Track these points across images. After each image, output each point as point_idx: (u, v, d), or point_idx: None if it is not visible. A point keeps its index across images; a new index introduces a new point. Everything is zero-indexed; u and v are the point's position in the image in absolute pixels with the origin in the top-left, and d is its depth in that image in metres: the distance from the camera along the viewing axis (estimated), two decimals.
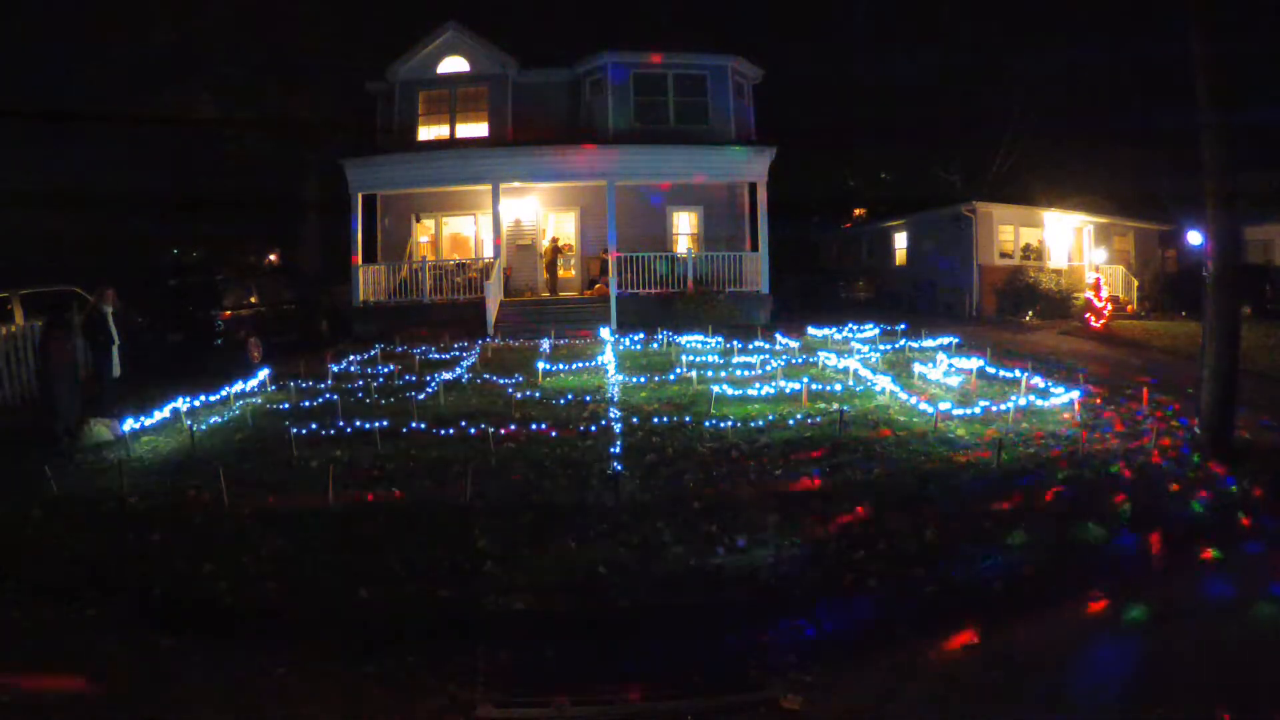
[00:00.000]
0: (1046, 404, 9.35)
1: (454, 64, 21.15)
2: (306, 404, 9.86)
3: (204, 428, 8.55)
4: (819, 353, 13.08)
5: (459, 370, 11.73)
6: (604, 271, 19.15)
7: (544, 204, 21.47)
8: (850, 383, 10.58)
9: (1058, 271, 24.09)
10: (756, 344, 14.55)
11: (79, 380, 9.57)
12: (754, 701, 3.96)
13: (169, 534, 5.75)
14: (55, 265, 19.66)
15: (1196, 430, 7.79)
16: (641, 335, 15.60)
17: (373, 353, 13.87)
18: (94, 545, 5.64)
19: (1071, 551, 5.47)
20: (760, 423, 8.18)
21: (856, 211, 36.46)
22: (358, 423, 8.39)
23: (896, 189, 33.94)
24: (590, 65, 20.76)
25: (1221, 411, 7.48)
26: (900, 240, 28.41)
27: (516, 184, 19.74)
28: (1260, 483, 6.71)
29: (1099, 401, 9.77)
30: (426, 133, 21.07)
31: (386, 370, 12.36)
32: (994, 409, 8.94)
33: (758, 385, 10.21)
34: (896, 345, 14.20)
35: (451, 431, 8.10)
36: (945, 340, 14.55)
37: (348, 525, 5.82)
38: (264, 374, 11.28)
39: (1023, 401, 9.28)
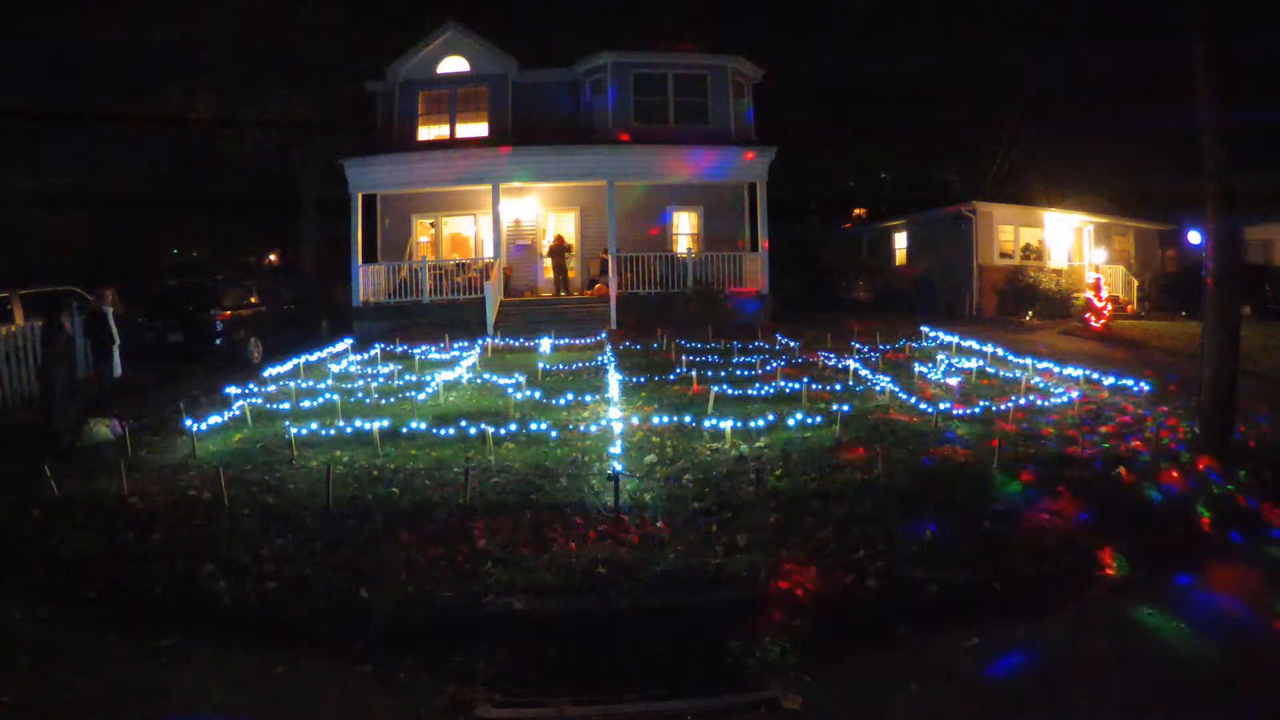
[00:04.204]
0: (1046, 404, 9.35)
1: (454, 64, 21.14)
2: (306, 404, 9.86)
3: (204, 428, 8.55)
4: (819, 353, 13.07)
5: (459, 370, 11.73)
6: (604, 271, 19.14)
7: (544, 204, 21.47)
8: (850, 383, 10.58)
9: (1058, 271, 24.09)
10: (756, 344, 14.55)
11: (79, 380, 9.57)
12: (754, 701, 3.96)
13: (169, 534, 5.75)
14: (55, 265, 19.70)
15: (1196, 430, 7.79)
16: (641, 335, 15.60)
17: (373, 353, 13.87)
18: (94, 545, 5.64)
19: (1071, 552, 5.47)
20: (760, 423, 8.18)
21: (856, 211, 36.46)
22: (358, 423, 8.38)
23: (896, 189, 33.98)
24: (590, 65, 20.76)
25: (1221, 411, 7.47)
26: (900, 240, 28.41)
27: (516, 184, 19.74)
28: (1260, 482, 6.71)
29: (1099, 402, 9.77)
30: (426, 133, 21.06)
31: (386, 370, 12.36)
32: (994, 409, 8.94)
33: (758, 385, 10.21)
34: (896, 345, 14.20)
35: (451, 431, 8.10)
36: (945, 340, 14.56)
37: (348, 525, 5.82)
38: (267, 373, 11.25)
39: (1023, 401, 9.29)
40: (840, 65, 30.05)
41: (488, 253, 20.00)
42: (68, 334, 8.92)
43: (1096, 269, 23.31)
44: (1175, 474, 6.95)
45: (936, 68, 29.23)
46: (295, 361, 12.36)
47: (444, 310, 18.21)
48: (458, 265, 19.38)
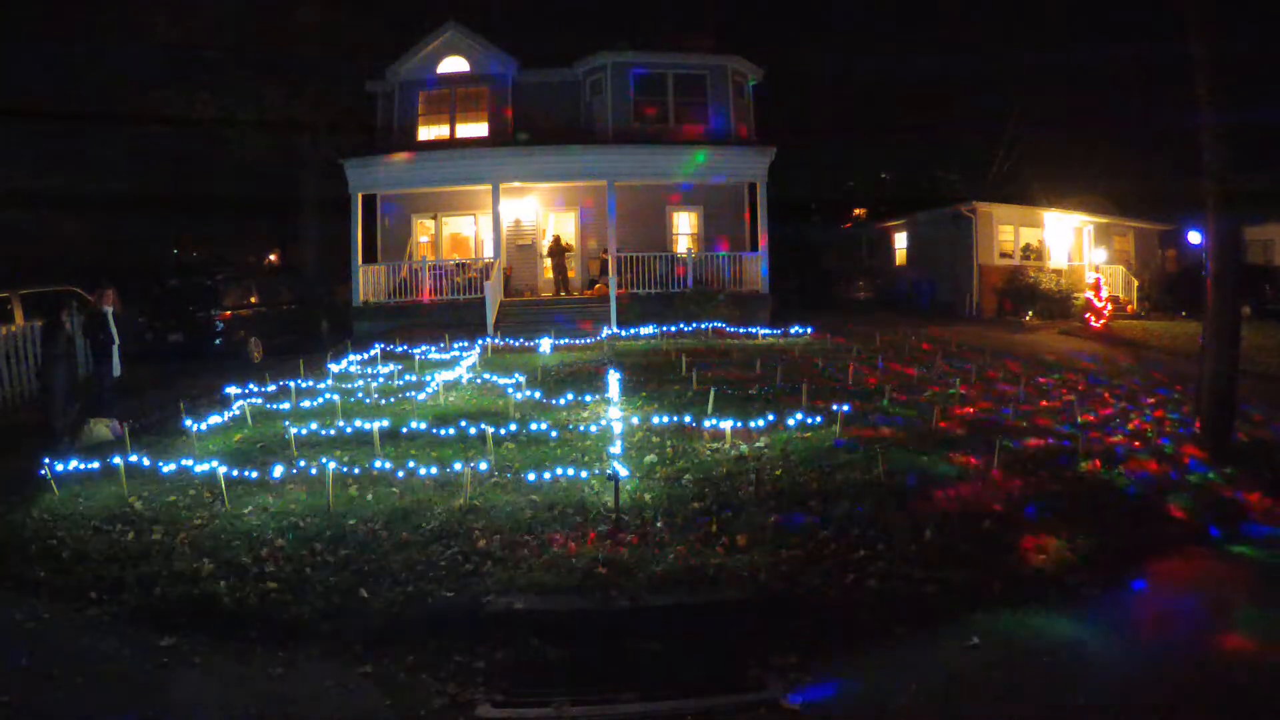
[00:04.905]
0: (1046, 404, 9.35)
1: (454, 64, 21.14)
2: (306, 404, 9.86)
3: (204, 428, 8.54)
4: (819, 353, 13.08)
5: (459, 370, 11.73)
6: (604, 271, 19.15)
7: (544, 204, 21.47)
8: (850, 383, 10.57)
9: (1058, 271, 24.09)
10: (756, 344, 14.54)
11: (78, 380, 9.56)
12: (754, 701, 3.96)
13: (169, 534, 5.75)
14: (55, 265, 19.70)
15: (1197, 430, 7.79)
16: (642, 335, 15.61)
17: (373, 353, 13.87)
18: (94, 545, 5.64)
19: (1072, 550, 5.47)
20: (760, 423, 8.17)
21: (856, 211, 36.46)
22: (358, 423, 8.38)
23: (896, 189, 33.98)
24: (590, 65, 20.76)
25: (1221, 411, 7.48)
26: (900, 240, 28.41)
27: (516, 184, 19.74)
28: (1260, 482, 6.71)
29: (1099, 401, 9.77)
30: (426, 133, 21.07)
31: (386, 370, 12.35)
32: (994, 409, 8.94)
33: (757, 385, 10.20)
34: (895, 345, 14.21)
35: (451, 431, 8.10)
36: (945, 340, 14.56)
37: (348, 525, 5.82)
38: (265, 375, 11.25)
39: (1022, 401, 9.28)
40: (840, 65, 30.09)
41: (488, 253, 19.99)
42: (68, 334, 8.92)
43: (1096, 269, 23.31)
44: (1175, 473, 6.96)
45: (936, 67, 29.27)
46: (295, 363, 12.31)
47: (444, 310, 18.21)
48: (458, 265, 19.38)
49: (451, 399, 10.20)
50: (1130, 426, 8.51)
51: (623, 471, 6.38)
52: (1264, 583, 5.25)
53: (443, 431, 8.13)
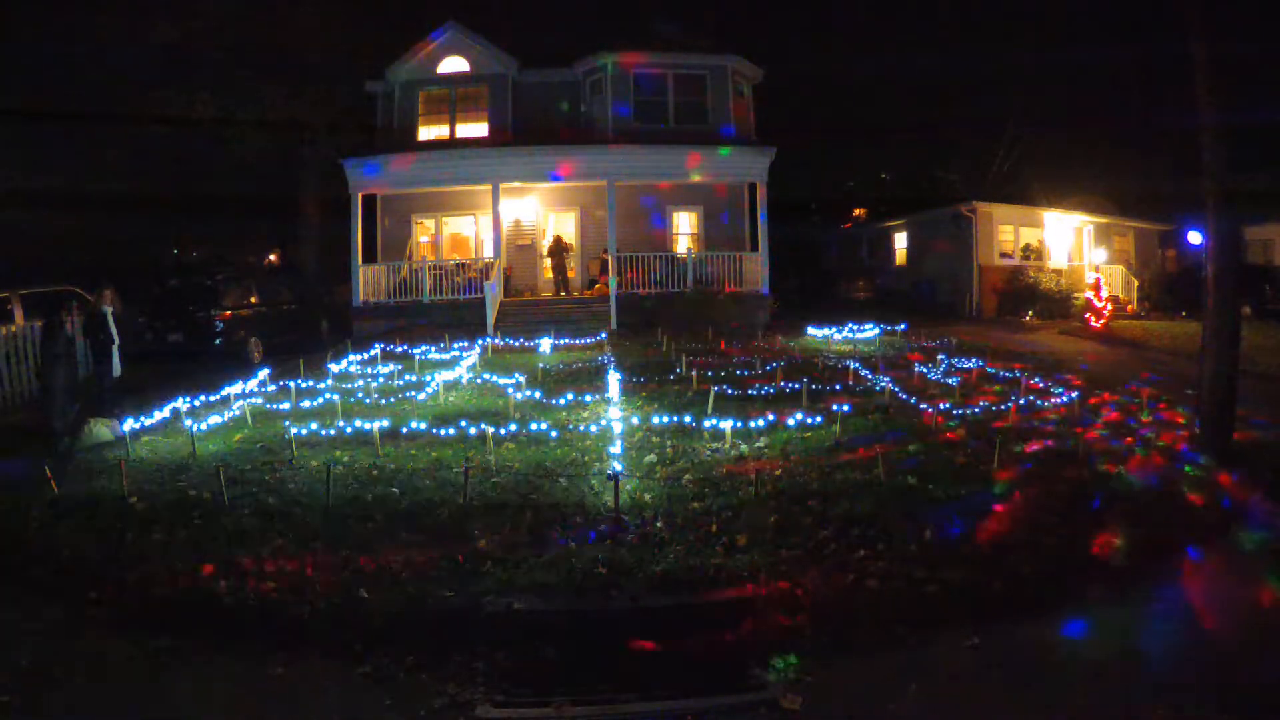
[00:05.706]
0: (1046, 404, 9.34)
1: (454, 64, 21.14)
2: (306, 404, 9.86)
3: (204, 428, 8.54)
4: (819, 353, 13.07)
5: (459, 370, 11.73)
6: (604, 271, 19.14)
7: (544, 204, 21.47)
8: (850, 383, 10.57)
9: (1058, 271, 24.09)
10: (756, 344, 14.54)
11: (78, 380, 9.56)
12: (754, 701, 3.96)
13: (169, 534, 5.75)
14: (55, 265, 19.69)
15: (1196, 430, 7.79)
16: (641, 335, 15.60)
17: (373, 353, 13.87)
18: (94, 545, 5.64)
19: (1071, 551, 5.47)
20: (760, 423, 8.18)
21: (856, 211, 36.49)
22: (358, 423, 8.38)
23: (896, 189, 34.03)
24: (590, 65, 20.75)
25: (1221, 411, 7.48)
26: (900, 240, 28.41)
27: (516, 184, 19.73)
28: (1260, 482, 6.71)
29: (1099, 401, 9.77)
30: (426, 133, 21.06)
31: (386, 370, 12.35)
32: (993, 408, 8.94)
33: (757, 385, 10.20)
34: (896, 345, 14.20)
35: (451, 431, 8.10)
36: (945, 340, 14.55)
37: (348, 525, 5.82)
38: (264, 373, 11.26)
39: (1022, 401, 9.28)
40: (840, 65, 30.14)
41: (488, 253, 19.99)
42: (68, 334, 8.91)
43: (1096, 269, 23.31)
44: (1175, 474, 6.96)
45: (936, 67, 29.31)
46: (295, 363, 12.30)
47: (444, 310, 18.21)
48: (458, 265, 19.37)
49: (451, 399, 10.20)
50: (1130, 427, 8.50)
51: (623, 471, 6.38)
52: (1247, 582, 5.22)
53: (443, 431, 8.13)
